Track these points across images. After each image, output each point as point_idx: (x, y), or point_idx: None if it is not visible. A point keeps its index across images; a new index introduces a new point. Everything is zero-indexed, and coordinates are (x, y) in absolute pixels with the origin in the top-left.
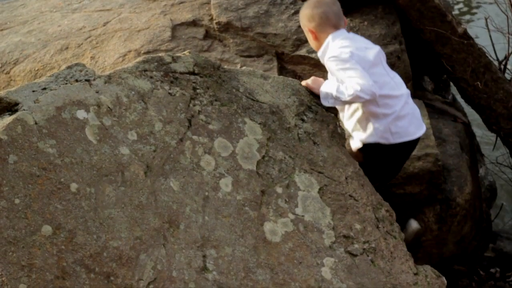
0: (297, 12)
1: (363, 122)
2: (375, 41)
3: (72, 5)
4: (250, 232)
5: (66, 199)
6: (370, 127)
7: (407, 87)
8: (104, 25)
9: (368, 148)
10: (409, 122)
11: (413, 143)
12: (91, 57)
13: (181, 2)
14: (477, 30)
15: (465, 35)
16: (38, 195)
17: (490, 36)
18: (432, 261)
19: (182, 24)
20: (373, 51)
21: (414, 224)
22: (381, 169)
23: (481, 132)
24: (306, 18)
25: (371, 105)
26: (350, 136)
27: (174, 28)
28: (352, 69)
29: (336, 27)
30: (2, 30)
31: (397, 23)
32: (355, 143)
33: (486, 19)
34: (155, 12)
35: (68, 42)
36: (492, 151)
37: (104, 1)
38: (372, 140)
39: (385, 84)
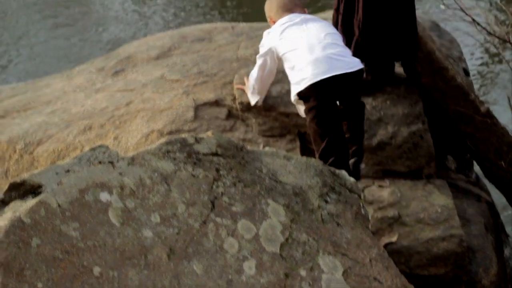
0: None
1: (290, 82)
2: (398, 121)
3: (96, 85)
4: None
5: (89, 282)
6: (293, 79)
7: (430, 166)
8: (127, 105)
9: (304, 99)
10: (324, 63)
11: (339, 80)
12: (114, 137)
13: (204, 82)
14: (499, 109)
15: (488, 114)
16: (61, 279)
17: None
18: None
19: (204, 104)
20: (300, 18)
21: None
22: (325, 123)
23: (506, 212)
24: (267, 8)
25: (284, 65)
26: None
27: (197, 108)
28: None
29: (290, 11)
30: (26, 110)
31: (419, 102)
32: (299, 108)
33: (508, 98)
34: (177, 92)
35: (91, 122)
36: None
37: (127, 81)
38: (298, 89)
39: (293, 40)
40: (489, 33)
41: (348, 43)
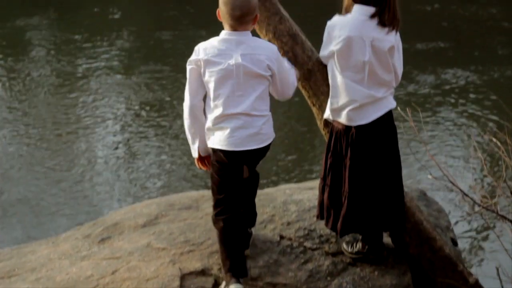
0: (307, 261)
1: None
2: None
3: (81, 252)
4: None
5: None
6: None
7: None
8: (112, 274)
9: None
10: (226, 133)
11: (233, 157)
12: None
13: (190, 251)
14: (488, 280)
15: (477, 285)
16: None
17: (502, 287)
18: None
19: (191, 273)
20: (229, 63)
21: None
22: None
23: None
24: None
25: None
26: None
27: (183, 277)
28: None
29: (233, 28)
30: (10, 277)
31: (408, 272)
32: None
33: (497, 269)
34: (164, 260)
35: None
36: None
37: (113, 248)
38: (210, 144)
39: (220, 92)
40: (477, 204)
41: (336, 214)
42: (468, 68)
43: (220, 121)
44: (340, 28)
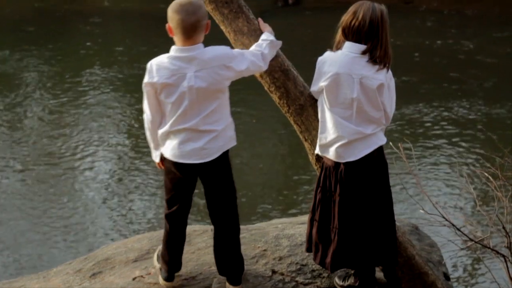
0: None
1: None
2: None
3: (72, 287)
4: None
5: None
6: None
7: None
8: None
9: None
10: (173, 144)
11: (184, 169)
12: None
13: (182, 286)
14: None
15: None
16: None
17: None
18: None
19: None
20: (183, 86)
21: None
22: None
23: None
24: (169, 14)
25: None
26: None
27: None
28: (144, 100)
29: (188, 39)
30: None
31: None
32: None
33: None
34: None
35: None
36: None
37: (104, 283)
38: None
39: (172, 107)
40: (469, 239)
41: (324, 250)
42: (440, 102)
43: (169, 133)
44: (330, 65)
